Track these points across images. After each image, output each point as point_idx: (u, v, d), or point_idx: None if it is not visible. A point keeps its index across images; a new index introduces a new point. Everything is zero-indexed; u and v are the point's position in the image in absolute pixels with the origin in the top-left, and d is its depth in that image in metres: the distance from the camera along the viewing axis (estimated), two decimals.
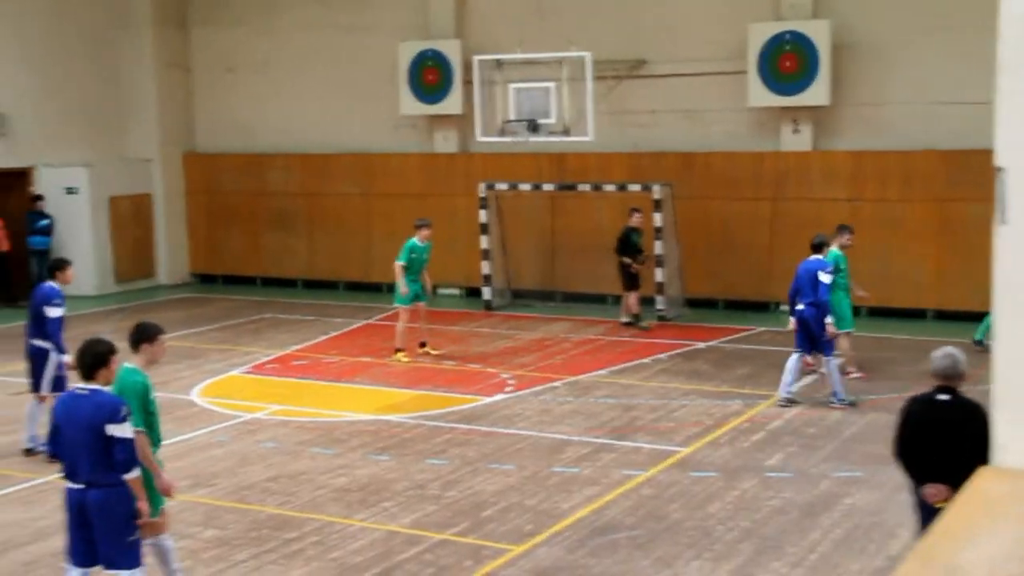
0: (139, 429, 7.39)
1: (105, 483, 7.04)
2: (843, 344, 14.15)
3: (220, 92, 24.57)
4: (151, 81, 24.00)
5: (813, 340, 13.20)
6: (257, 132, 24.17)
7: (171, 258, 24.51)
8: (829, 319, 13.09)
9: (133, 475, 7.07)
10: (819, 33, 18.82)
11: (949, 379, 7.12)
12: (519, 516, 9.81)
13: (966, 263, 18.00)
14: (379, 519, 9.79)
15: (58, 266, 11.78)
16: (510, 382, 14.87)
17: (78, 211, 22.57)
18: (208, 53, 24.60)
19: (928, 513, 7.00)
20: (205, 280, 24.73)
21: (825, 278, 13.05)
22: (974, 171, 17.77)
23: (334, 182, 23.30)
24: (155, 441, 7.73)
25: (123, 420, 7.02)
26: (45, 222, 21.89)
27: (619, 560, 8.78)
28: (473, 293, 21.52)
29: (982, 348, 16.20)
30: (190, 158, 24.71)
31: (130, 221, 23.59)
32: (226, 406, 13.83)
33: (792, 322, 13.43)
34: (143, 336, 7.72)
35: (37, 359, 11.59)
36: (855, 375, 14.48)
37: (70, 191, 22.54)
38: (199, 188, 24.66)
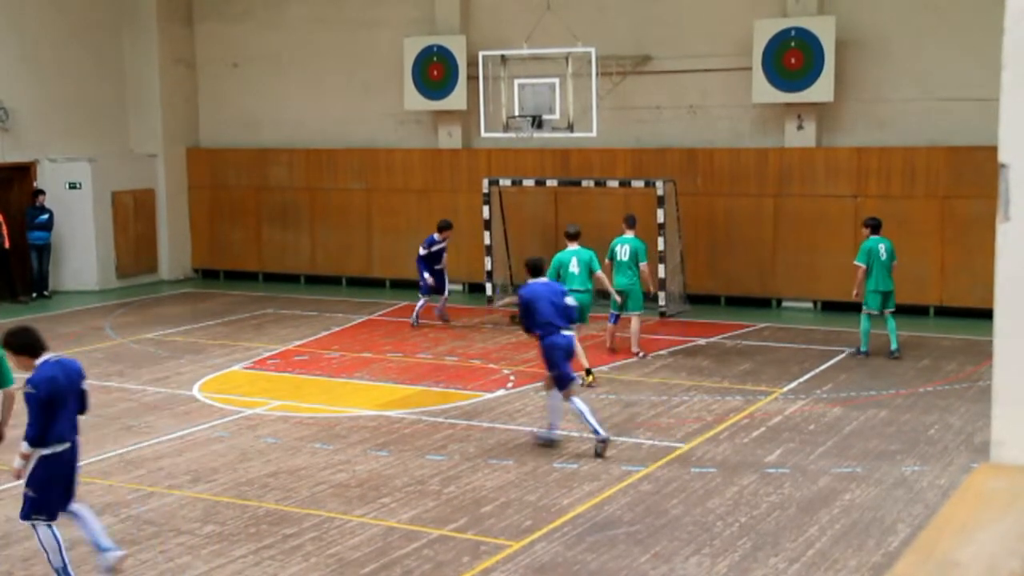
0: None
1: None
2: (632, 324, 15.99)
3: (224, 87, 24.56)
4: (155, 76, 23.96)
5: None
6: (261, 127, 24.15)
7: (173, 253, 24.50)
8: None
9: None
10: (824, 30, 18.76)
11: None
12: (518, 512, 9.78)
13: (969, 259, 17.98)
14: (378, 515, 9.77)
15: None
16: (511, 378, 14.85)
17: (81, 206, 22.55)
18: (212, 48, 24.58)
19: None
20: (207, 275, 24.72)
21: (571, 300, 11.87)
22: (977, 167, 17.75)
23: (337, 177, 23.28)
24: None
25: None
26: (45, 217, 21.85)
27: (617, 556, 8.75)
28: (475, 289, 21.49)
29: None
30: (194, 153, 24.69)
31: (133, 216, 23.57)
32: (227, 401, 13.82)
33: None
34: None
35: None
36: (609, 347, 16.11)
37: (72, 186, 22.52)
38: (202, 183, 24.64)
